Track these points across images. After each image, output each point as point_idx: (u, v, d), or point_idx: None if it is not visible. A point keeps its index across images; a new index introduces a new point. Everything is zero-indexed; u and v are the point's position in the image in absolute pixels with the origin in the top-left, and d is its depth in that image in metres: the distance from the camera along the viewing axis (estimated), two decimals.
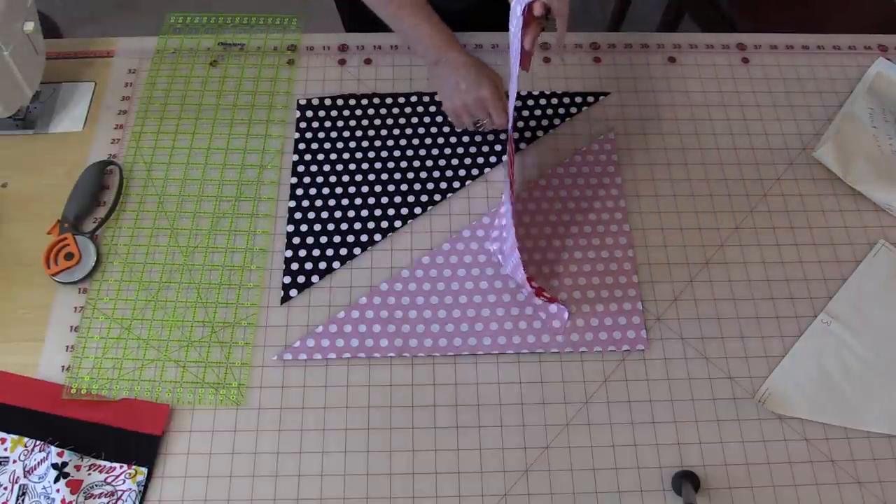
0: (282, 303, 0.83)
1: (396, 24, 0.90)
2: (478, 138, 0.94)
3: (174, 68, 0.98)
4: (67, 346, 0.80)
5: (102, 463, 0.74)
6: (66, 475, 0.72)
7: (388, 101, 0.96)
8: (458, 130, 0.94)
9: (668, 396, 0.79)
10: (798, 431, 0.78)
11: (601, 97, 0.98)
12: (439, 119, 0.95)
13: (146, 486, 0.73)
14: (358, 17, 1.02)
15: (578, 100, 0.97)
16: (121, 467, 0.74)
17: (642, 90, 0.99)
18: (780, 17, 1.40)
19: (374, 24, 0.96)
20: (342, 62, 1.00)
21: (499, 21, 1.05)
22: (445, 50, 0.88)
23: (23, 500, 0.72)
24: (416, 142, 0.93)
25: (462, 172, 0.91)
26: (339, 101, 0.96)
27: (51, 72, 0.95)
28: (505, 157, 0.93)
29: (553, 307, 0.81)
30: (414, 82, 0.98)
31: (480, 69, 0.88)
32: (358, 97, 0.96)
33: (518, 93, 0.97)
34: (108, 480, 0.73)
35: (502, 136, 0.94)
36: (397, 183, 0.90)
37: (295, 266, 0.85)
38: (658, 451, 0.76)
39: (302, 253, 0.86)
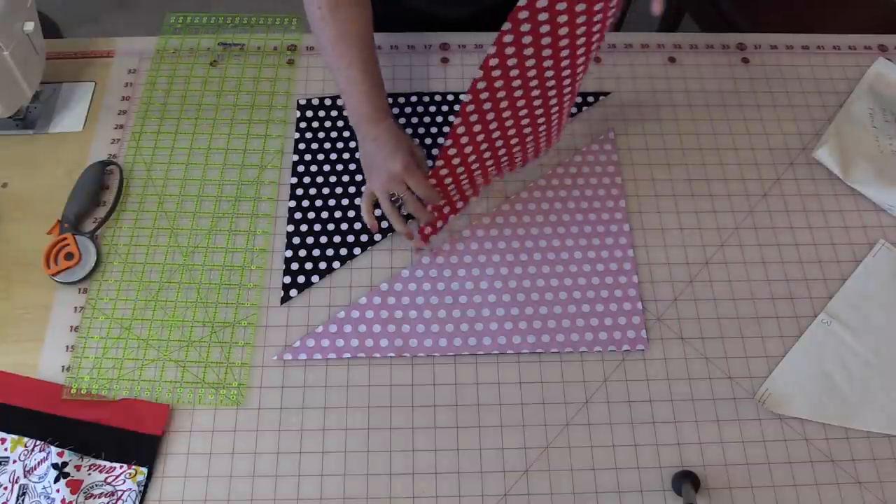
0: (282, 303, 0.83)
1: (338, 81, 0.84)
2: None
3: (174, 68, 0.98)
4: (67, 346, 0.80)
5: (102, 463, 0.74)
6: (66, 475, 0.72)
7: (389, 100, 0.96)
8: (376, 218, 0.85)
9: (668, 396, 0.79)
10: (798, 431, 0.78)
11: (601, 97, 0.98)
12: (440, 119, 0.95)
13: (146, 486, 0.73)
14: None
15: (578, 100, 0.97)
16: (121, 467, 0.74)
17: (642, 90, 0.99)
18: (780, 17, 1.40)
19: (378, 24, 0.96)
20: None
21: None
22: (368, 123, 0.81)
23: (23, 500, 0.72)
24: (416, 141, 0.93)
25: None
26: (340, 101, 0.96)
27: (51, 72, 0.95)
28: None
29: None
30: (414, 82, 0.98)
31: (398, 141, 0.80)
32: None
33: None
34: (108, 480, 0.73)
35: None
36: None
37: (295, 266, 0.85)
38: (658, 451, 0.76)
39: (302, 253, 0.86)
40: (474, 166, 0.81)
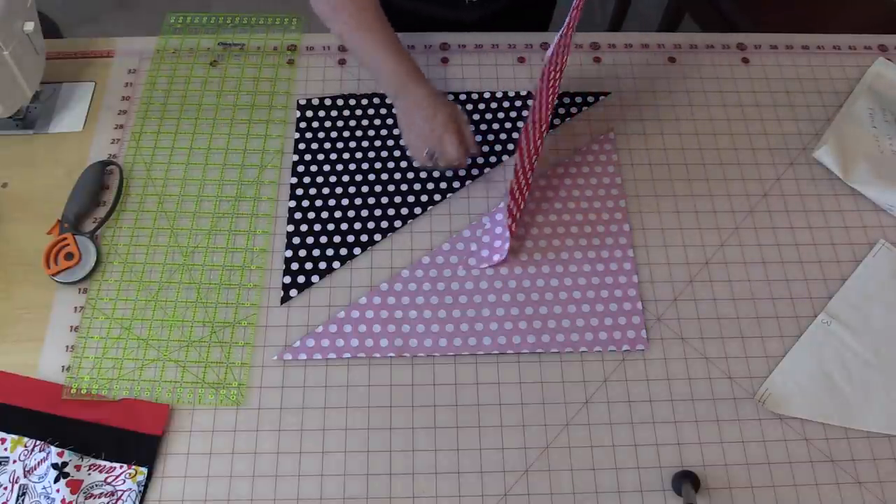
0: (282, 303, 0.83)
1: (359, 53, 0.88)
2: (478, 138, 0.94)
3: (174, 68, 0.98)
4: (67, 346, 0.80)
5: (102, 463, 0.74)
6: (66, 475, 0.72)
7: (389, 101, 0.96)
8: (416, 166, 0.90)
9: (668, 396, 0.79)
10: (798, 431, 0.78)
11: (601, 97, 0.98)
12: None
13: (146, 486, 0.73)
14: None
15: (578, 100, 0.97)
16: (121, 467, 0.74)
17: (642, 90, 0.99)
18: (780, 17, 1.40)
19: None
20: (342, 62, 1.00)
21: (509, 26, 1.06)
22: (405, 83, 0.85)
23: (23, 500, 0.72)
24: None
25: (462, 172, 0.91)
26: (340, 101, 0.96)
27: (51, 72, 0.95)
28: (507, 158, 0.93)
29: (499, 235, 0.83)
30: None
31: (438, 101, 0.84)
32: (358, 97, 0.96)
33: (517, 93, 0.98)
34: (108, 480, 0.73)
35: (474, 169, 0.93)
36: (397, 183, 0.90)
37: (295, 266, 0.85)
38: (658, 451, 0.76)
39: (302, 253, 0.86)
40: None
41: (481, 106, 0.96)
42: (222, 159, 0.92)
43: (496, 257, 0.84)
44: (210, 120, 0.94)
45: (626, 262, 0.86)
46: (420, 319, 0.82)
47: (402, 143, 0.90)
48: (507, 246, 0.83)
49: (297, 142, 0.93)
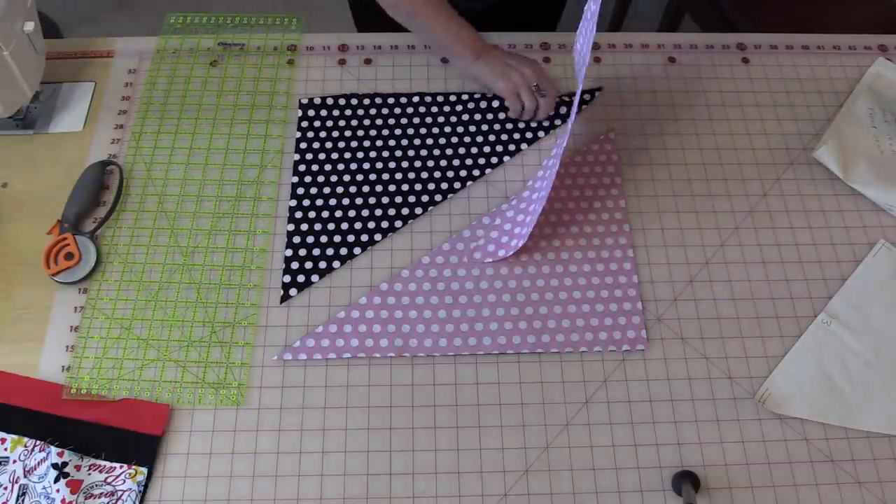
0: (281, 302, 0.83)
1: (429, 30, 0.93)
2: (479, 138, 0.94)
3: (174, 68, 0.98)
4: (67, 346, 0.80)
5: (102, 463, 0.74)
6: (66, 475, 0.72)
7: (389, 100, 0.96)
8: (514, 117, 0.95)
9: (668, 396, 0.79)
10: (798, 431, 0.78)
11: (596, 92, 0.98)
12: (441, 119, 0.95)
13: (146, 486, 0.73)
14: (370, 17, 1.02)
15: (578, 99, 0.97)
16: (121, 467, 0.74)
17: (642, 90, 0.99)
18: (780, 17, 1.40)
19: (386, 23, 0.96)
20: (342, 62, 1.00)
21: (517, 22, 1.06)
22: (485, 45, 0.94)
23: (23, 500, 0.72)
24: (416, 142, 0.93)
25: (463, 173, 0.91)
26: (342, 101, 0.96)
27: (51, 72, 0.95)
28: (517, 156, 0.93)
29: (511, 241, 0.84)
30: (414, 82, 0.98)
31: (519, 56, 0.94)
32: (360, 97, 0.96)
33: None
34: (108, 480, 0.73)
35: (529, 134, 0.93)
36: (397, 183, 0.90)
37: (295, 265, 0.85)
38: (658, 451, 0.76)
39: (302, 252, 0.86)
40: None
41: (483, 104, 0.96)
42: (222, 159, 0.92)
43: (502, 252, 0.84)
44: (210, 120, 0.94)
45: (626, 262, 0.86)
46: (420, 319, 0.82)
47: (498, 91, 0.93)
48: (514, 244, 0.83)
49: (298, 141, 0.93)
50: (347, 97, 0.96)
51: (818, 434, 0.77)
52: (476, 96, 0.97)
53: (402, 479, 0.74)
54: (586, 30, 0.78)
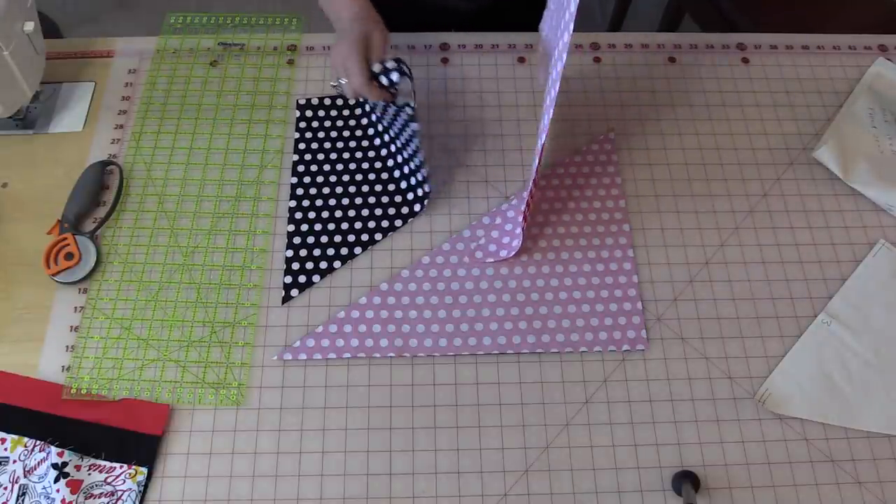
0: (283, 302, 0.83)
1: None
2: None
3: (174, 68, 0.98)
4: (67, 346, 0.80)
5: (102, 463, 0.74)
6: (66, 475, 0.72)
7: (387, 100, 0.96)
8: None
9: (668, 396, 0.79)
10: (798, 431, 0.78)
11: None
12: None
13: (146, 486, 0.73)
14: None
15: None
16: (121, 467, 0.74)
17: (642, 90, 0.99)
18: (780, 17, 1.40)
19: (386, 14, 0.95)
20: None
21: (509, 24, 1.06)
22: (344, 10, 0.82)
23: (23, 500, 0.72)
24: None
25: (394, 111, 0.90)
26: (339, 101, 0.96)
27: (51, 72, 0.95)
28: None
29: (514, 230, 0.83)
30: (414, 82, 0.98)
31: (355, 25, 0.80)
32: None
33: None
34: (108, 480, 0.73)
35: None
36: (398, 182, 0.90)
37: (296, 266, 0.85)
38: (658, 451, 0.76)
39: (302, 252, 0.86)
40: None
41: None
42: (222, 159, 0.92)
43: (503, 253, 0.84)
44: (210, 120, 0.94)
45: (626, 262, 0.86)
46: (420, 319, 0.82)
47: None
48: (515, 244, 0.83)
49: (296, 142, 0.93)
50: (345, 97, 0.96)
51: (818, 434, 0.77)
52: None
53: (402, 479, 0.74)
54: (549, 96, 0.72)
